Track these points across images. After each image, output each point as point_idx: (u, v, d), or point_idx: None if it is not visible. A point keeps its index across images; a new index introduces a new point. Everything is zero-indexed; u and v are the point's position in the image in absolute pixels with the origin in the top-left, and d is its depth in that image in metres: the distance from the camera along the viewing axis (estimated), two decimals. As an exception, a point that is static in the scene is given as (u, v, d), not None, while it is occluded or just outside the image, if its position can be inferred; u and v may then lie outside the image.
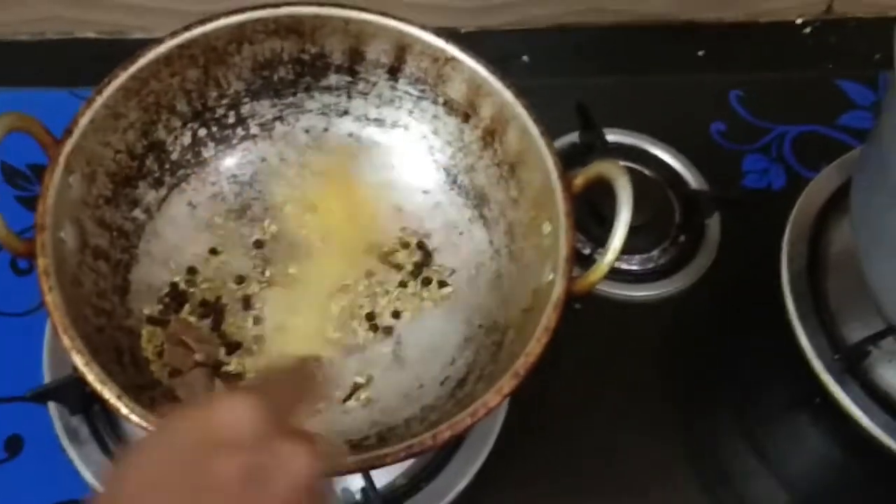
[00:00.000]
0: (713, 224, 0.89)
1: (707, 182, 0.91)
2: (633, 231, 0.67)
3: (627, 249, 0.84)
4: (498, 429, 0.75)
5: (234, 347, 0.71)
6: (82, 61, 0.91)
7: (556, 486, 0.77)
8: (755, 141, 0.95)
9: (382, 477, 0.71)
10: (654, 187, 0.90)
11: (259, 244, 0.75)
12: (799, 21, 1.05)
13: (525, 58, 0.99)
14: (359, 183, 0.77)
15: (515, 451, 0.75)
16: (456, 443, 0.74)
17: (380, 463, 0.58)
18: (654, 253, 0.88)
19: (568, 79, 0.98)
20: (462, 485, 0.73)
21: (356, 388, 0.71)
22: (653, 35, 1.02)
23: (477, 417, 0.60)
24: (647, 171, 0.91)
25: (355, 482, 0.70)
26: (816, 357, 0.78)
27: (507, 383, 0.60)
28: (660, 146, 0.92)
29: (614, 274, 0.85)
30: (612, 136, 0.91)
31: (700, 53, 1.01)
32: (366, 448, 0.62)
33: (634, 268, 0.87)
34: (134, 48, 0.69)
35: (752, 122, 0.96)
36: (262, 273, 0.74)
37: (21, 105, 0.65)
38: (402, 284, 0.75)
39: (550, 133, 0.70)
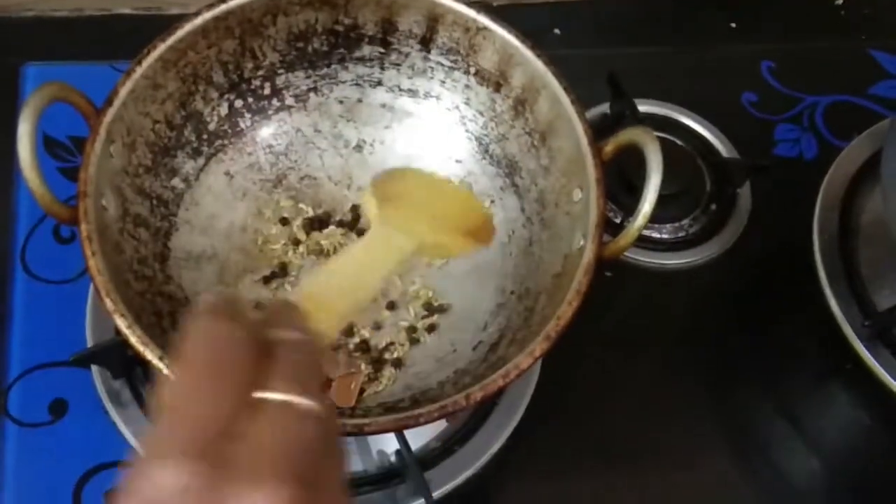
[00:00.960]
0: (744, 193, 0.89)
1: (738, 152, 0.91)
2: (664, 200, 0.68)
3: (659, 218, 0.86)
4: (530, 394, 0.76)
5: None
6: (120, 36, 0.92)
7: (585, 454, 0.78)
8: (787, 111, 0.95)
9: (417, 440, 0.72)
10: (685, 157, 0.90)
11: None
12: (832, -9, 1.05)
13: (556, 31, 0.99)
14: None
15: (546, 418, 0.76)
16: (488, 408, 0.75)
17: (414, 423, 0.59)
18: (686, 222, 0.88)
19: (599, 50, 0.98)
20: (495, 448, 0.74)
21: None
22: (684, 6, 1.02)
23: (509, 379, 0.60)
24: (678, 141, 0.91)
25: (390, 444, 0.72)
26: (847, 324, 0.78)
27: (538, 346, 0.61)
28: (691, 116, 0.93)
29: (646, 242, 0.86)
30: (644, 107, 0.91)
31: (732, 24, 1.01)
32: (400, 410, 0.63)
33: (665, 236, 0.87)
34: (170, 23, 0.70)
35: (783, 91, 0.96)
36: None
37: (61, 78, 0.66)
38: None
39: (582, 103, 0.70)
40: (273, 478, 0.35)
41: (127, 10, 0.97)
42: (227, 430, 0.35)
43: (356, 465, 0.72)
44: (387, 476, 0.72)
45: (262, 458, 0.35)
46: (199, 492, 0.34)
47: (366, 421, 0.59)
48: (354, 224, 0.78)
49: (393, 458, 0.72)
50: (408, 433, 0.70)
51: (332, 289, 0.51)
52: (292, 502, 0.35)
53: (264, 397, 0.37)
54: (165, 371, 0.58)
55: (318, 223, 0.77)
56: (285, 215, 0.77)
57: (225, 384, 0.37)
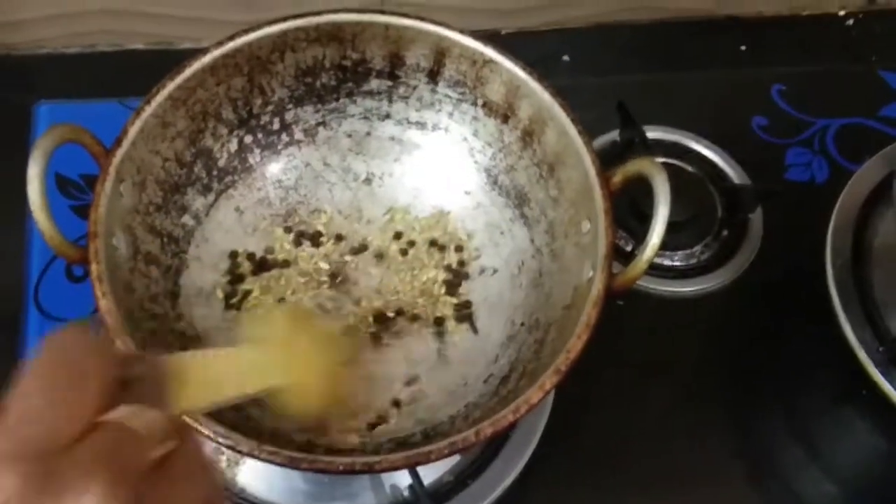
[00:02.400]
0: (756, 218, 0.89)
1: (749, 177, 0.91)
2: (675, 227, 0.68)
3: (670, 245, 0.86)
4: (543, 426, 0.76)
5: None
6: (132, 72, 0.93)
7: (602, 483, 0.78)
8: (797, 134, 0.95)
9: (429, 474, 0.72)
10: (695, 183, 0.90)
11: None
12: (841, 13, 1.04)
13: (566, 57, 0.99)
14: None
15: (560, 449, 0.76)
16: (501, 440, 0.75)
17: (425, 459, 0.59)
18: (697, 248, 0.88)
19: (609, 77, 0.98)
20: (508, 481, 0.73)
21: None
22: (693, 30, 1.02)
23: (519, 414, 0.60)
24: (688, 167, 0.91)
25: (403, 479, 0.72)
26: (862, 349, 0.78)
27: (548, 379, 0.61)
28: (701, 142, 0.93)
29: (658, 270, 0.86)
30: (654, 133, 0.91)
31: (741, 48, 1.01)
32: (411, 445, 0.63)
33: (677, 263, 0.87)
34: (182, 58, 0.71)
35: (794, 115, 0.96)
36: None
37: (72, 116, 0.67)
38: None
39: (591, 131, 0.70)
40: (100, 485, 0.35)
41: (139, 46, 0.98)
42: (63, 442, 0.36)
43: (369, 499, 0.72)
44: (400, 510, 0.72)
45: (92, 467, 0.36)
46: (30, 499, 0.35)
47: (376, 459, 0.58)
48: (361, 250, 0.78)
49: (406, 493, 0.72)
50: (420, 467, 0.69)
51: (197, 380, 0.50)
52: None
53: (105, 419, 0.37)
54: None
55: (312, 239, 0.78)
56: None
57: (70, 400, 0.37)
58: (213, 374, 0.50)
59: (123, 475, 0.36)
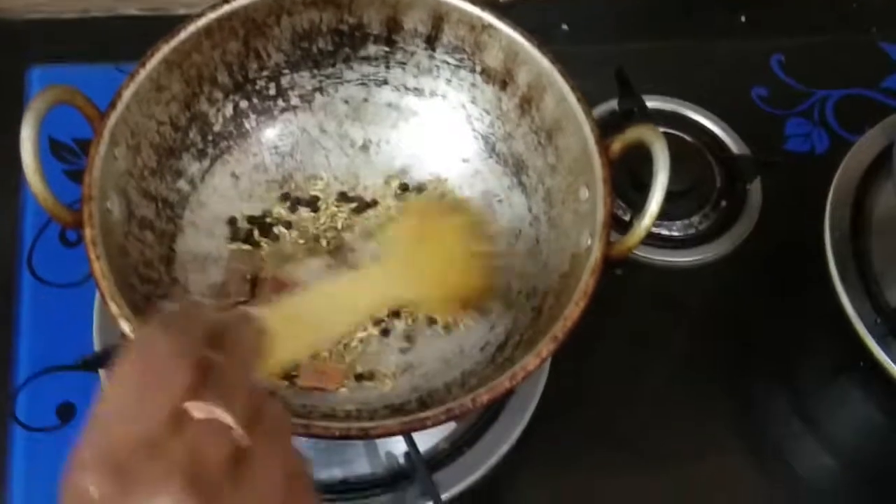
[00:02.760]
0: (755, 189, 0.89)
1: (749, 147, 0.91)
2: (674, 197, 0.67)
3: (669, 215, 0.86)
4: (539, 395, 0.75)
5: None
6: (125, 37, 0.92)
7: (597, 453, 0.77)
8: (797, 105, 0.95)
9: (425, 441, 0.72)
10: (694, 153, 0.89)
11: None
12: (842, -17, 1.04)
13: (564, 26, 0.99)
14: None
15: (556, 418, 0.76)
16: (497, 408, 0.74)
17: (421, 425, 0.59)
18: (696, 218, 0.88)
19: (608, 46, 0.98)
20: (503, 449, 0.73)
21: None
22: (693, 0, 1.01)
23: (516, 381, 0.60)
24: (687, 137, 0.91)
25: (398, 446, 0.71)
26: (860, 321, 0.77)
27: (545, 347, 0.61)
28: (700, 112, 0.92)
29: (656, 240, 0.85)
30: (653, 103, 0.91)
31: (741, 18, 1.01)
32: (407, 412, 0.63)
33: (676, 233, 0.87)
34: (176, 24, 0.70)
35: (793, 86, 0.96)
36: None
37: (65, 80, 0.66)
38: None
39: (590, 100, 0.70)
40: (177, 487, 0.36)
41: (133, 11, 0.96)
42: (147, 443, 0.37)
43: (364, 467, 0.72)
44: (395, 478, 0.72)
45: (171, 468, 0.37)
46: (109, 499, 0.36)
47: (371, 424, 0.58)
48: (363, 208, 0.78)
49: (401, 460, 0.72)
50: (416, 435, 0.69)
51: (309, 316, 0.49)
52: None
53: (189, 409, 0.38)
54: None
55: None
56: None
57: (153, 401, 0.38)
58: (323, 311, 0.49)
59: (199, 476, 0.37)
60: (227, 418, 0.39)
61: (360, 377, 0.70)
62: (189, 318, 0.42)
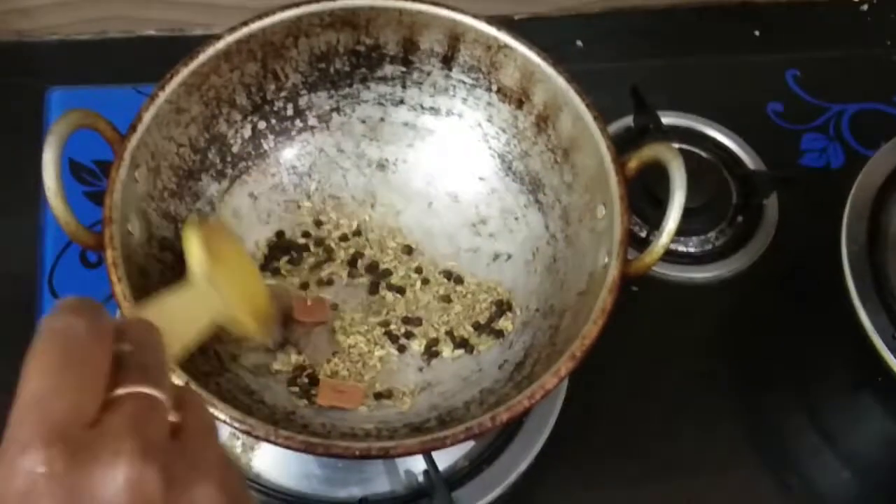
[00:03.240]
0: (771, 204, 0.89)
1: (764, 162, 0.91)
2: (690, 213, 0.67)
3: (685, 231, 0.86)
4: (557, 412, 0.75)
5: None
6: (144, 59, 0.93)
7: (617, 468, 0.78)
8: (812, 120, 0.95)
9: (444, 459, 0.72)
10: (710, 169, 0.90)
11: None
12: (856, -1, 1.04)
13: (579, 42, 0.99)
14: None
15: (575, 434, 0.76)
16: (516, 426, 0.75)
17: (440, 444, 0.59)
18: (712, 234, 0.88)
19: (623, 62, 0.98)
20: (522, 467, 0.73)
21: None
22: (707, 16, 1.02)
23: (534, 399, 0.60)
24: (703, 153, 0.91)
25: (417, 465, 0.72)
26: (878, 335, 0.77)
27: (563, 365, 0.61)
28: (716, 127, 0.93)
29: (672, 256, 0.86)
30: (668, 119, 0.91)
31: (756, 33, 1.01)
32: (426, 430, 0.64)
33: (692, 250, 0.87)
34: (194, 44, 0.71)
35: (809, 101, 0.96)
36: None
37: (85, 102, 0.67)
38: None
39: (605, 117, 0.70)
40: (129, 455, 0.36)
41: (151, 32, 0.97)
42: (89, 419, 0.36)
43: (383, 485, 0.72)
44: (415, 496, 0.72)
45: (119, 439, 0.36)
46: (61, 476, 0.35)
47: (392, 444, 0.59)
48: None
49: (421, 478, 0.72)
50: (435, 453, 0.69)
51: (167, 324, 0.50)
52: (147, 479, 0.36)
53: (118, 393, 0.38)
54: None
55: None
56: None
57: (83, 377, 0.37)
58: (176, 318, 0.50)
59: (150, 444, 0.36)
60: (158, 394, 0.38)
61: (378, 395, 0.71)
62: (95, 310, 0.40)
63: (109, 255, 0.62)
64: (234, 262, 0.61)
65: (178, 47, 0.72)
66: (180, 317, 0.52)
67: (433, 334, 0.74)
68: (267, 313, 0.64)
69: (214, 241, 0.59)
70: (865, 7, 1.03)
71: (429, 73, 0.77)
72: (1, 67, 0.93)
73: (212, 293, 0.56)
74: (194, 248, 0.58)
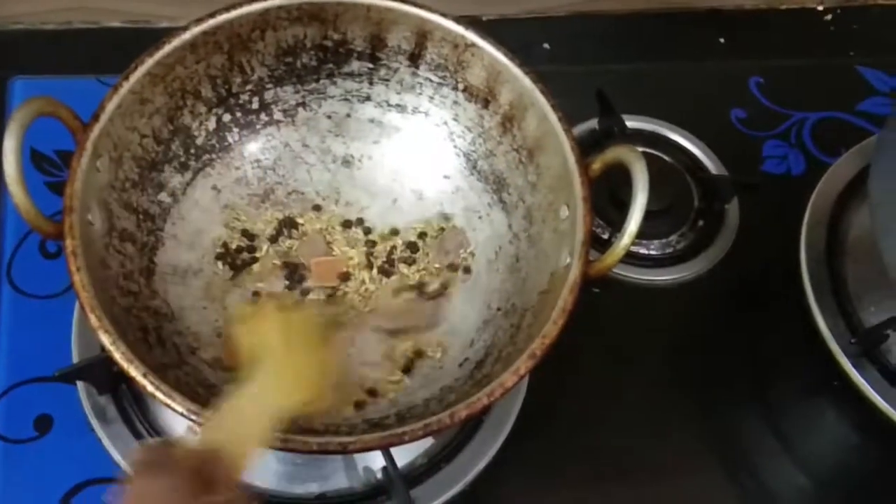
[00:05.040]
0: (732, 209, 0.90)
1: (726, 168, 0.92)
2: (652, 216, 0.68)
3: (646, 234, 0.86)
4: (517, 412, 0.76)
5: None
6: (109, 50, 0.92)
7: (575, 468, 0.78)
8: (775, 127, 0.96)
9: (403, 457, 0.72)
10: (673, 173, 0.90)
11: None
12: (820, 8, 1.05)
13: (546, 45, 0.99)
14: None
15: (534, 434, 0.76)
16: (475, 424, 0.75)
17: (398, 441, 0.59)
18: (673, 238, 0.88)
19: (588, 66, 0.98)
20: (481, 465, 0.73)
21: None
22: (673, 22, 1.03)
23: (493, 397, 0.60)
24: (666, 157, 0.91)
25: (376, 461, 0.72)
26: (834, 341, 0.78)
27: (523, 364, 0.61)
28: (679, 132, 0.93)
29: (633, 258, 0.86)
30: (632, 123, 0.91)
31: (721, 40, 1.02)
32: (385, 427, 0.63)
33: (653, 252, 0.88)
34: (159, 37, 0.70)
35: (771, 108, 0.97)
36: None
37: (49, 92, 0.66)
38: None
39: (570, 119, 0.71)
40: None
41: (116, 24, 0.97)
42: None
43: (342, 482, 0.72)
44: (373, 493, 0.72)
45: None
46: None
47: (350, 439, 0.59)
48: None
49: (379, 475, 0.72)
50: (394, 450, 0.69)
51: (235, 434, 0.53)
52: None
53: None
54: (150, 388, 0.58)
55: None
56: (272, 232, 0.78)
57: None
58: (246, 429, 0.54)
59: None
60: None
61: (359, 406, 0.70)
62: (164, 455, 0.48)
63: (69, 244, 0.62)
64: (297, 343, 0.61)
65: (144, 39, 0.72)
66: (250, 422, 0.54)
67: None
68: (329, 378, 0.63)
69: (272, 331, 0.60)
70: (830, 17, 1.04)
71: (396, 71, 0.77)
72: (-37, 56, 0.92)
73: (282, 387, 0.57)
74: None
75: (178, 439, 0.54)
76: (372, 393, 0.71)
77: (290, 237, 0.77)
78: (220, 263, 0.75)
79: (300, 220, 0.78)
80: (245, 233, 0.77)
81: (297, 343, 0.61)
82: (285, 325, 0.61)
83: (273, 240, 0.77)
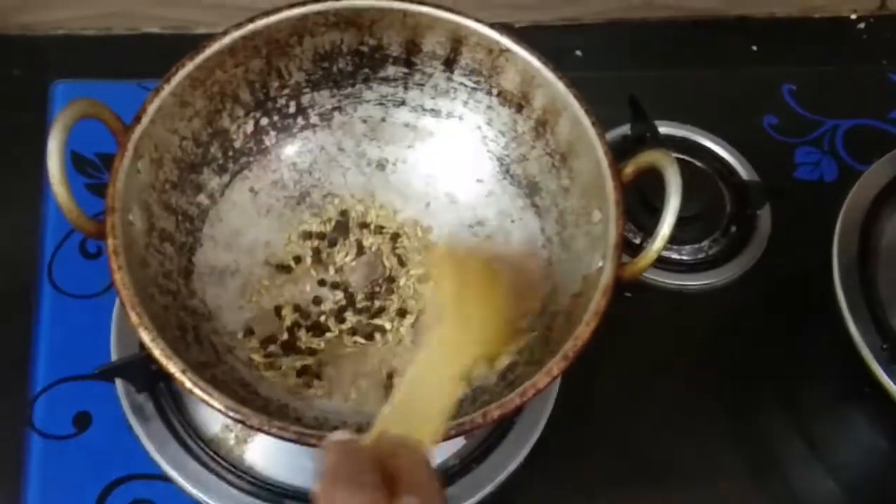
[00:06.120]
0: (764, 215, 0.90)
1: (758, 174, 0.92)
2: (684, 221, 0.68)
3: (678, 240, 0.87)
4: (548, 414, 0.76)
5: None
6: (148, 55, 0.94)
7: (605, 471, 0.78)
8: (807, 134, 0.96)
9: (435, 457, 0.73)
10: (705, 179, 0.91)
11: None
12: (853, 16, 1.05)
13: (578, 52, 1.00)
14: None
15: (565, 437, 0.77)
16: (507, 425, 0.75)
17: (432, 440, 0.60)
18: (705, 243, 0.89)
19: (621, 72, 0.99)
20: (512, 467, 0.74)
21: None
22: (705, 30, 1.03)
23: (526, 398, 0.61)
24: (698, 163, 0.92)
25: (408, 461, 0.72)
26: (866, 347, 0.78)
27: (556, 365, 0.62)
28: (711, 139, 0.94)
29: (665, 264, 0.86)
30: (665, 129, 0.92)
31: (753, 48, 1.02)
32: (419, 426, 0.64)
33: (685, 258, 0.88)
34: (198, 43, 0.72)
35: (804, 115, 0.97)
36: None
37: (89, 96, 0.67)
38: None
39: (602, 125, 0.71)
40: None
41: (155, 30, 0.98)
42: None
43: (375, 480, 0.73)
44: (405, 492, 0.72)
45: None
46: None
47: (384, 437, 0.59)
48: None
49: (411, 475, 0.72)
50: (427, 450, 0.70)
51: (419, 402, 0.53)
52: None
53: None
54: (188, 384, 0.59)
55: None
56: (308, 229, 0.78)
57: None
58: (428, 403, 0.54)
59: None
60: None
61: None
62: (354, 460, 0.47)
63: (111, 243, 0.63)
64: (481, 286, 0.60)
65: (182, 45, 0.73)
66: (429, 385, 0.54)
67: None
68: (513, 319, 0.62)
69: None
70: (862, 25, 1.04)
71: (430, 76, 0.78)
72: (6, 61, 0.94)
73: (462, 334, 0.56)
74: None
75: (360, 436, 0.52)
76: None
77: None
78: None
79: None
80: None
81: (475, 288, 0.59)
82: (461, 270, 0.60)
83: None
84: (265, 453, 0.73)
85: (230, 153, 0.77)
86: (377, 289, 0.76)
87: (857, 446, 0.83)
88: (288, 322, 0.74)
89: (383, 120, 0.80)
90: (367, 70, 0.78)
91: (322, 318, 0.75)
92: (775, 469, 0.80)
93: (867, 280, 0.82)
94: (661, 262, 0.85)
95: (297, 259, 0.77)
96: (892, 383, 0.76)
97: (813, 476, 0.81)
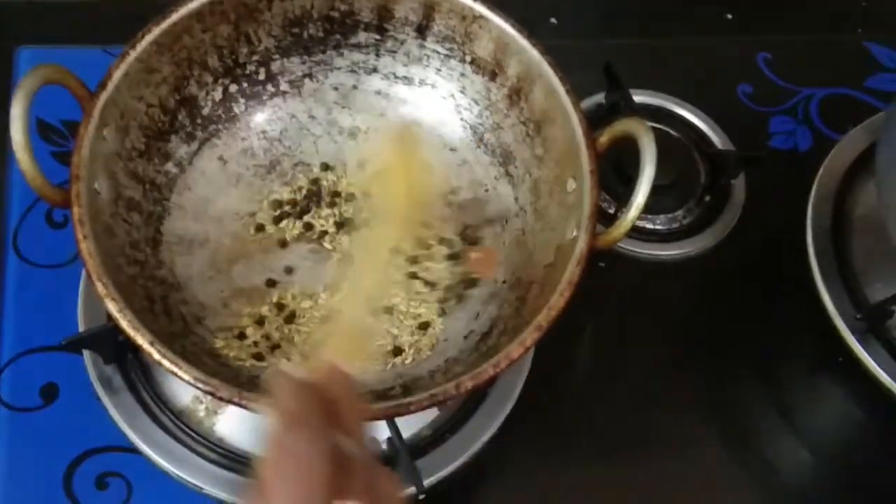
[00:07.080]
0: (738, 184, 0.89)
1: (733, 143, 0.91)
2: (658, 191, 0.68)
3: (653, 209, 0.86)
4: (522, 384, 0.75)
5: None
6: (114, 20, 0.92)
7: (577, 443, 0.78)
8: (782, 103, 0.95)
9: (408, 428, 0.72)
10: (679, 148, 0.90)
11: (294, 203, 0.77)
12: (828, -17, 1.05)
13: (553, 20, 0.99)
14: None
15: (538, 408, 0.76)
16: (480, 396, 0.75)
17: (405, 410, 0.59)
18: (680, 213, 0.88)
19: (595, 40, 0.98)
20: (486, 436, 0.73)
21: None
22: (680, -2, 1.02)
23: (499, 368, 0.61)
24: (673, 132, 0.91)
25: (381, 432, 0.72)
26: (839, 317, 0.78)
27: (529, 336, 0.61)
28: (686, 107, 0.93)
29: (639, 233, 0.86)
30: (639, 98, 0.91)
31: (728, 16, 1.01)
32: (391, 397, 0.64)
33: (659, 227, 0.88)
34: (165, 8, 0.70)
35: (779, 84, 0.96)
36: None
37: (54, 62, 0.66)
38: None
39: (577, 93, 0.70)
40: None
41: (122, -6, 0.96)
42: None
43: (347, 452, 0.72)
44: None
45: None
46: None
47: (357, 408, 0.58)
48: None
49: (384, 446, 0.72)
50: (399, 421, 0.69)
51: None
52: None
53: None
54: (156, 355, 0.58)
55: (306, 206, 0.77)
56: (279, 198, 0.77)
57: (311, 496, 0.41)
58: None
59: None
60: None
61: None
62: (304, 400, 0.44)
63: (76, 212, 0.62)
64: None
65: (149, 10, 0.71)
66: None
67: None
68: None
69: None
70: (838, -7, 1.04)
71: (403, 42, 0.77)
72: (-32, 27, 0.92)
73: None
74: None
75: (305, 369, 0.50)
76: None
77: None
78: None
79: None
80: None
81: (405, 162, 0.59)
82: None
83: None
84: (236, 425, 0.72)
85: (198, 121, 0.76)
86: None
87: (830, 416, 0.83)
88: (259, 292, 0.73)
89: (355, 87, 0.79)
90: (338, 36, 0.77)
91: (292, 288, 0.74)
92: (750, 439, 0.80)
93: (841, 250, 0.82)
94: (635, 232, 0.84)
95: (265, 228, 0.76)
96: (865, 353, 0.77)
97: (788, 445, 0.81)
